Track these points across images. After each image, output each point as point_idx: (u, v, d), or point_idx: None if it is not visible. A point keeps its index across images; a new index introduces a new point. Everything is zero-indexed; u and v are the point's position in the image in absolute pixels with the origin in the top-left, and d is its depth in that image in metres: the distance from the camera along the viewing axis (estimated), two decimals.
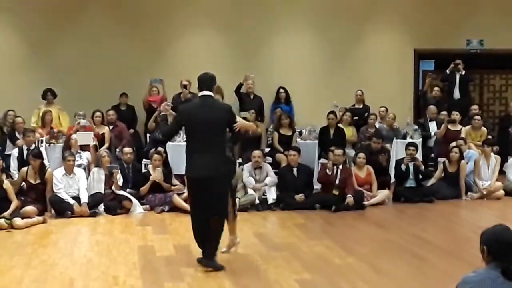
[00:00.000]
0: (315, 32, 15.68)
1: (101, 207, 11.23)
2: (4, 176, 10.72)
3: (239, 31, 15.26)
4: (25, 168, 11.15)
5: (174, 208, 11.25)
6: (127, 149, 12.11)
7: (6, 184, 10.40)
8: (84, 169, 11.91)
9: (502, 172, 13.12)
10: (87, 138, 12.48)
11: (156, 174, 11.54)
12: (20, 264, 7.83)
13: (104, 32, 14.76)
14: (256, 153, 12.08)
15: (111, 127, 13.29)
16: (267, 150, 13.23)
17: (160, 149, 11.96)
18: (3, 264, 7.82)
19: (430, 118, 14.46)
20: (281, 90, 14.92)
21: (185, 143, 12.21)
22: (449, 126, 13.78)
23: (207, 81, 7.62)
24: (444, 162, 12.82)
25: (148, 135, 13.61)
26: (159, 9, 15.02)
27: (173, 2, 15.16)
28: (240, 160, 13.00)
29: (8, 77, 14.57)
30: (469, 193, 12.65)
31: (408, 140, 13.45)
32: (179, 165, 12.45)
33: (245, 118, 13.19)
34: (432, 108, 14.52)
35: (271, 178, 11.95)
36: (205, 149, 7.32)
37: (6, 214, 9.97)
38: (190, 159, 7.52)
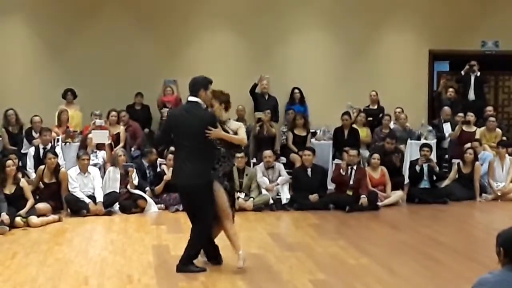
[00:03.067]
0: (330, 33, 15.67)
1: (116, 206, 11.28)
2: (20, 175, 10.81)
3: (254, 31, 15.28)
4: (41, 167, 11.25)
5: None
6: (153, 150, 12.16)
7: (23, 182, 10.47)
8: (100, 168, 11.99)
9: None
10: (102, 136, 12.53)
11: (170, 174, 11.55)
12: (36, 262, 7.87)
13: (120, 33, 14.83)
14: (267, 153, 12.10)
15: (125, 127, 13.34)
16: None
17: (173, 148, 11.98)
18: (18, 262, 7.87)
19: (444, 120, 14.42)
20: (296, 91, 14.93)
21: None
22: (464, 128, 13.75)
23: (192, 85, 7.47)
24: (458, 164, 12.80)
25: None
26: (175, 10, 15.07)
27: (188, 3, 15.20)
28: (254, 160, 13.06)
29: (25, 77, 14.69)
30: (483, 195, 12.62)
31: (423, 141, 13.44)
32: None
33: (259, 119, 13.29)
34: (446, 109, 14.48)
35: (283, 177, 11.97)
36: (187, 157, 7.21)
37: (22, 212, 10.04)
38: (174, 165, 7.54)
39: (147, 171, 11.96)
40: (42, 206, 10.61)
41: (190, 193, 7.24)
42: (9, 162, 10.39)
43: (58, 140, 12.56)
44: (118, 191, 11.40)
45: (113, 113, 13.24)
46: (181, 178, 7.28)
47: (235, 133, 7.55)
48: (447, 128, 14.27)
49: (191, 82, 7.48)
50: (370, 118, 14.34)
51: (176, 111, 7.72)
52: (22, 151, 12.46)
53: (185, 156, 7.23)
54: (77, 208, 10.95)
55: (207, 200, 7.26)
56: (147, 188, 11.60)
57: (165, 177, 11.53)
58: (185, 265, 7.38)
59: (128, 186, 11.36)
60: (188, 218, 7.53)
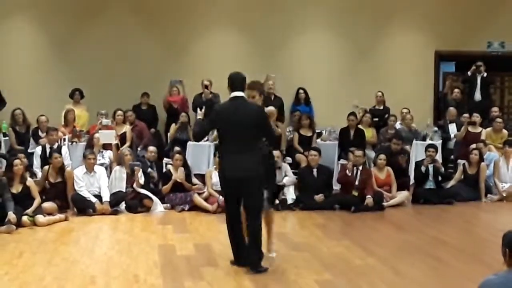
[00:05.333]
0: (335, 33, 15.68)
1: (123, 206, 11.31)
2: (28, 174, 10.85)
3: (259, 31, 15.30)
4: (46, 167, 11.31)
5: (195, 207, 11.33)
6: (152, 148, 12.20)
7: (30, 181, 10.51)
8: (106, 168, 12.03)
9: None
10: (109, 136, 12.57)
11: (179, 174, 11.59)
12: (42, 261, 7.90)
13: (126, 33, 14.87)
14: (275, 153, 12.06)
15: (131, 126, 13.37)
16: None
17: (178, 148, 12.04)
18: (25, 261, 7.90)
19: (449, 120, 14.41)
20: (301, 91, 14.94)
21: (206, 143, 12.47)
22: (469, 128, 13.75)
23: (240, 81, 7.53)
24: (464, 164, 12.80)
25: (168, 134, 13.67)
26: (180, 10, 15.09)
27: (194, 3, 15.23)
28: None
29: (32, 77, 14.76)
30: (489, 195, 12.61)
31: (428, 141, 13.43)
32: (199, 164, 12.60)
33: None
34: (452, 110, 14.47)
35: (289, 177, 11.98)
36: (239, 150, 7.35)
37: (29, 211, 10.07)
38: (225, 160, 7.56)
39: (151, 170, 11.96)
40: (48, 205, 10.66)
41: (248, 185, 7.33)
42: (17, 161, 10.43)
43: (64, 140, 12.61)
44: (124, 190, 11.43)
45: (119, 112, 13.27)
46: (237, 171, 7.34)
47: None
48: (452, 128, 14.27)
49: (236, 77, 7.53)
50: (376, 119, 14.33)
51: (226, 106, 7.68)
52: (29, 150, 12.51)
53: (237, 150, 7.36)
54: (84, 207, 10.98)
55: (261, 192, 7.47)
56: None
57: (173, 177, 11.56)
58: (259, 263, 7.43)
59: (134, 185, 11.40)
60: (231, 210, 7.56)
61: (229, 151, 7.46)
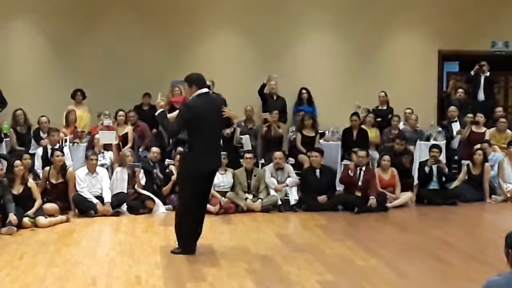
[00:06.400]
0: (338, 33, 15.65)
1: (124, 207, 11.27)
2: (31, 176, 10.82)
3: (262, 32, 15.26)
4: (47, 168, 11.29)
5: None
6: (155, 149, 12.17)
7: (31, 183, 10.47)
8: (107, 168, 11.99)
9: None
10: (109, 137, 12.55)
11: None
12: (43, 262, 7.87)
13: (127, 34, 14.84)
14: (278, 154, 12.08)
15: (133, 127, 13.34)
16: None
17: (181, 149, 12.00)
18: (26, 263, 7.86)
19: (451, 119, 14.33)
20: (303, 91, 14.90)
21: None
22: (473, 128, 13.71)
23: (203, 79, 8.11)
24: (468, 165, 12.76)
25: None
26: (182, 11, 15.08)
27: (196, 4, 15.20)
28: (262, 161, 13.06)
29: (34, 78, 14.73)
30: (493, 196, 12.57)
31: (432, 142, 13.38)
32: None
33: (266, 120, 13.35)
34: (451, 108, 14.40)
35: (292, 178, 11.94)
36: (215, 142, 8.19)
37: (30, 212, 10.03)
38: (202, 154, 7.91)
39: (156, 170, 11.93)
40: (49, 206, 10.62)
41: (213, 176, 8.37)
42: (17, 162, 10.39)
43: (66, 141, 12.59)
44: (125, 191, 11.40)
45: (121, 113, 13.25)
46: (214, 163, 8.22)
47: None
48: (455, 127, 14.20)
49: (199, 77, 8.12)
50: (379, 119, 14.29)
51: (196, 102, 7.93)
52: (30, 151, 12.47)
53: (214, 142, 8.12)
54: (85, 208, 10.95)
55: None
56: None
57: (173, 178, 11.52)
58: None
59: (136, 186, 11.36)
60: (199, 204, 8.18)
61: (207, 144, 7.93)
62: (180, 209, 8.28)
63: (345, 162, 13.01)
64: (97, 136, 12.50)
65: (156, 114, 8.09)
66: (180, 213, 8.21)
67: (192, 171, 7.95)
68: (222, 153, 8.53)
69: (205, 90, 8.00)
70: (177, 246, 8.25)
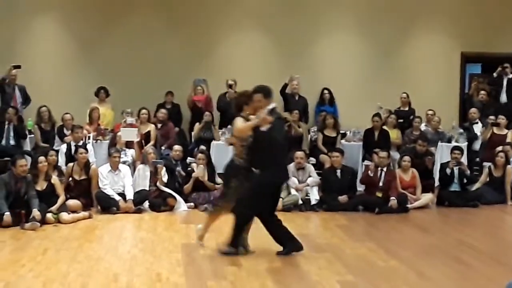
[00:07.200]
0: (360, 34, 15.62)
1: (146, 204, 11.34)
2: (56, 172, 10.92)
3: (284, 32, 15.26)
4: (70, 164, 11.38)
5: None
6: (177, 147, 12.23)
7: (54, 179, 10.57)
8: (129, 166, 12.05)
9: None
10: (131, 134, 12.62)
11: (198, 171, 11.62)
12: (66, 258, 7.94)
13: (151, 33, 14.91)
14: (299, 154, 12.09)
15: (159, 125, 13.37)
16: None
17: (203, 147, 12.05)
18: (49, 258, 7.95)
19: (472, 120, 14.24)
20: (325, 91, 14.90)
21: None
22: (495, 130, 13.64)
23: (268, 92, 8.29)
24: (489, 167, 12.71)
25: (192, 133, 13.69)
26: (205, 10, 15.12)
27: (219, 4, 15.25)
28: None
29: (58, 75, 14.84)
30: None
31: (453, 144, 13.33)
32: (223, 164, 12.56)
33: (285, 119, 13.36)
34: (472, 109, 14.30)
35: (313, 178, 11.96)
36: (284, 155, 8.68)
37: (53, 208, 10.14)
38: (280, 165, 8.22)
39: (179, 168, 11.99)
40: (72, 202, 10.71)
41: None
42: (41, 158, 10.49)
43: (89, 138, 12.68)
44: (147, 189, 11.47)
45: (144, 111, 13.27)
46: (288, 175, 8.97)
47: None
48: (477, 129, 14.12)
49: (271, 91, 8.35)
50: (401, 120, 14.25)
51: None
52: (54, 148, 12.57)
53: (283, 155, 8.60)
54: (107, 205, 11.04)
55: None
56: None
57: (193, 175, 11.58)
58: None
59: (158, 183, 11.43)
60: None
61: (279, 156, 8.16)
62: (246, 211, 8.31)
63: (366, 162, 13.01)
64: (118, 133, 12.57)
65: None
66: (246, 215, 8.33)
67: (271, 183, 8.14)
68: None
69: (274, 105, 8.17)
70: (226, 246, 8.22)
